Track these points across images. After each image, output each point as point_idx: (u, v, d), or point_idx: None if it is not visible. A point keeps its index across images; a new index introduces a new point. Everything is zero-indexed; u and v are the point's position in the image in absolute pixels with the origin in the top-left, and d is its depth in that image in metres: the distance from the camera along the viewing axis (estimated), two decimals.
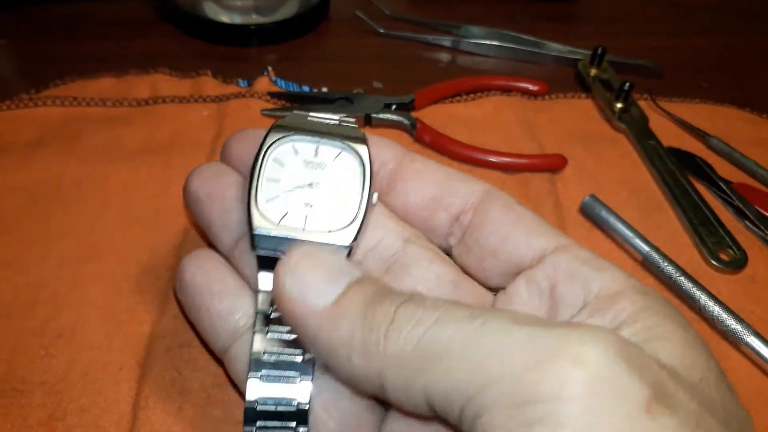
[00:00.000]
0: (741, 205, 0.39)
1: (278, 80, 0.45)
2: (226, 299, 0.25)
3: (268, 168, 0.25)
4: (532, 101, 0.46)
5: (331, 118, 0.27)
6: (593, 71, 0.47)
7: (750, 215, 0.38)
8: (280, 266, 0.20)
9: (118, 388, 0.28)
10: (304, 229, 0.24)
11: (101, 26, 0.51)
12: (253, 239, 0.24)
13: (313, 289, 0.20)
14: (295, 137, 0.25)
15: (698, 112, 0.46)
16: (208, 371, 0.29)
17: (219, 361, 0.27)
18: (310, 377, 0.23)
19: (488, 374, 0.17)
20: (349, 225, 0.24)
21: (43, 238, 0.34)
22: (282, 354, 0.23)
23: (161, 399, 0.28)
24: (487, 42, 0.50)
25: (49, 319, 0.31)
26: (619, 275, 0.22)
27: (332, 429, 0.23)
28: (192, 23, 0.50)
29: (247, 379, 0.23)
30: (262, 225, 0.23)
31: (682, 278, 0.33)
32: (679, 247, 0.36)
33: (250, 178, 0.24)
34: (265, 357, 0.23)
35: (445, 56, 0.51)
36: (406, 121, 0.42)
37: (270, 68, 0.45)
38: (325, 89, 0.45)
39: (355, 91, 0.44)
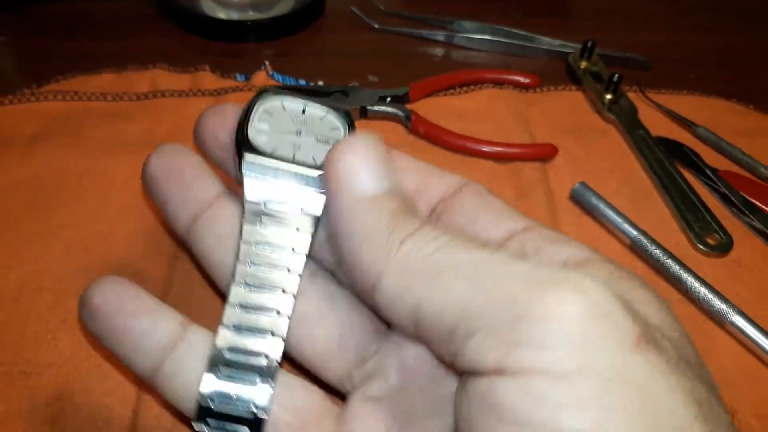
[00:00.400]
0: (727, 192, 0.40)
1: (275, 74, 0.46)
2: (146, 317, 0.23)
3: (258, 115, 0.25)
4: (523, 94, 0.47)
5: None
6: (583, 64, 0.48)
7: (736, 201, 0.39)
8: (345, 144, 0.22)
9: (123, 369, 0.29)
10: (293, 160, 0.24)
11: (100, 24, 0.52)
12: (242, 165, 0.24)
13: (363, 177, 0.22)
14: (284, 97, 0.26)
15: (686, 104, 0.47)
16: None
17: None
18: (271, 383, 0.22)
19: (490, 295, 0.18)
20: None
21: (47, 228, 0.35)
22: (247, 354, 0.22)
23: None
24: (480, 36, 0.52)
25: (54, 305, 0.31)
26: (585, 248, 0.23)
27: (288, 422, 0.22)
28: (190, 20, 0.51)
29: (203, 374, 0.22)
30: (253, 152, 0.24)
31: (669, 261, 0.34)
32: (667, 233, 0.38)
33: (240, 120, 0.25)
34: (228, 355, 0.22)
35: (438, 51, 0.52)
36: (400, 113, 0.43)
37: (267, 63, 0.46)
38: (321, 83, 0.46)
39: (350, 85, 0.45)
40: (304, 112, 0.26)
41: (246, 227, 0.24)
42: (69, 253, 0.34)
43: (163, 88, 0.44)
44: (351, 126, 0.26)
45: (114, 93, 0.43)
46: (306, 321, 0.24)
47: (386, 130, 0.43)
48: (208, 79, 0.45)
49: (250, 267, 0.23)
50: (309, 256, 0.24)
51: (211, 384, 0.22)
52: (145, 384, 0.29)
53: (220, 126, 0.26)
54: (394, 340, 0.24)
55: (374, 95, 0.44)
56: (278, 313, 0.23)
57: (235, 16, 0.52)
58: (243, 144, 0.24)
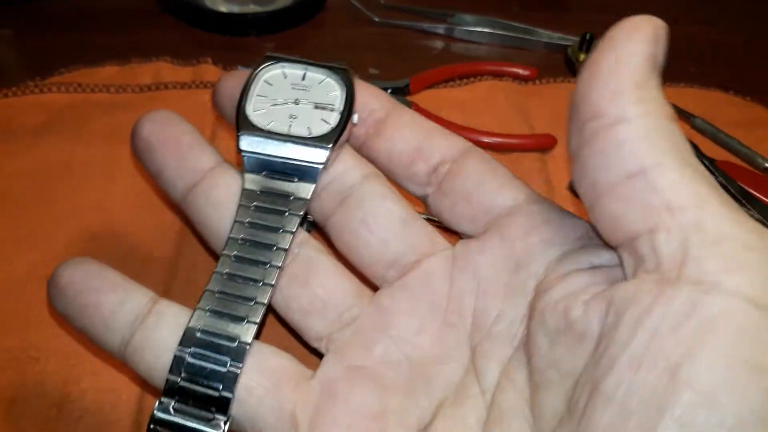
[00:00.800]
0: (725, 182, 0.40)
1: None
2: (114, 293, 0.23)
3: (258, 86, 0.27)
4: (523, 86, 0.47)
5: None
6: (582, 56, 0.49)
7: (733, 191, 0.40)
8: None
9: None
10: (288, 134, 0.26)
11: (102, 18, 0.52)
12: (239, 141, 0.25)
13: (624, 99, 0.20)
14: (285, 64, 0.28)
15: (684, 96, 0.47)
16: None
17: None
18: (258, 321, 0.23)
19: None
20: (328, 132, 0.26)
21: (53, 217, 0.36)
22: (236, 298, 0.23)
23: None
24: (480, 29, 0.52)
25: None
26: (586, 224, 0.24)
27: (262, 384, 0.23)
28: (191, 13, 0.51)
29: (194, 311, 0.23)
30: (249, 130, 0.25)
31: None
32: None
33: (241, 93, 0.26)
34: (218, 296, 0.23)
35: (438, 43, 0.52)
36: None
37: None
38: None
39: None
40: (304, 77, 0.28)
41: (240, 207, 0.25)
42: (75, 241, 0.34)
43: (166, 81, 0.44)
44: (349, 86, 0.27)
45: (117, 85, 0.44)
46: (294, 282, 0.25)
47: None
48: (211, 72, 0.45)
49: (239, 243, 0.24)
50: (295, 232, 0.25)
51: (201, 318, 0.23)
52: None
53: (237, 88, 0.27)
54: (378, 304, 0.25)
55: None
56: (258, 294, 0.24)
57: (236, 9, 0.52)
58: (240, 120, 0.26)
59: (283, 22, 0.52)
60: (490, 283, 0.24)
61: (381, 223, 0.26)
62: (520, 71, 0.47)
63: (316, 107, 0.27)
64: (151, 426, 0.22)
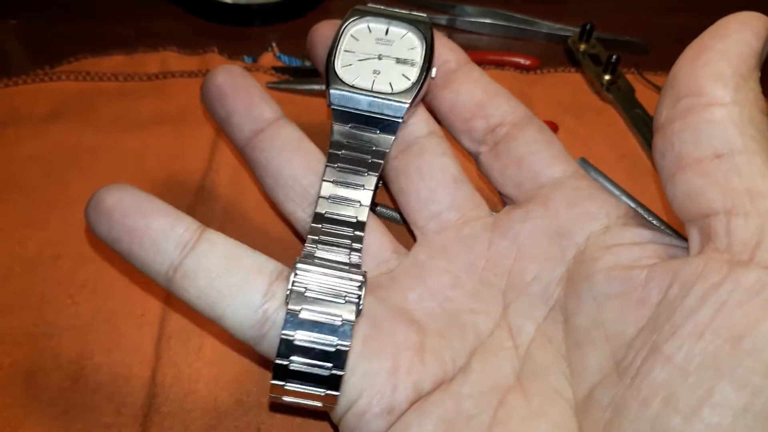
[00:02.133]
0: None
1: (282, 56, 0.47)
2: (164, 217, 0.23)
3: (346, 41, 0.29)
4: (524, 75, 0.48)
5: (403, 11, 0.30)
6: (582, 47, 0.50)
7: None
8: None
9: (141, 331, 0.31)
10: (371, 90, 0.28)
11: (107, 8, 0.53)
12: (329, 96, 0.27)
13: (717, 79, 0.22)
14: (370, 18, 0.30)
15: None
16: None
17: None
18: (353, 314, 0.23)
19: None
20: (408, 88, 0.28)
21: (63, 201, 0.36)
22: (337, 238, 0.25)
23: (182, 340, 0.30)
24: (481, 20, 0.53)
25: (72, 271, 0.33)
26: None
27: None
28: (196, 3, 0.52)
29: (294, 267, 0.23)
30: (337, 85, 0.28)
31: (667, 231, 0.36)
32: (665, 206, 0.39)
33: (330, 47, 0.28)
34: (310, 294, 0.23)
35: (441, 34, 0.53)
36: None
37: (274, 44, 0.47)
38: None
39: None
40: (387, 32, 0.29)
41: (330, 154, 0.27)
42: (84, 223, 0.35)
43: (173, 69, 0.45)
44: (429, 41, 0.29)
45: (125, 74, 0.44)
46: None
47: None
48: (217, 61, 0.46)
49: (332, 183, 0.26)
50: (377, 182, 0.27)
51: (294, 316, 0.22)
52: (163, 344, 0.30)
53: (328, 37, 0.29)
54: (414, 258, 0.27)
55: None
56: (353, 240, 0.25)
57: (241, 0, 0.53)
58: (329, 75, 0.28)
59: (288, 12, 0.52)
60: (529, 248, 0.26)
61: (434, 175, 0.28)
62: (522, 61, 0.48)
63: (398, 62, 0.28)
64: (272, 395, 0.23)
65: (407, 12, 0.30)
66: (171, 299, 0.32)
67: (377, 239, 0.27)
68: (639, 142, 0.43)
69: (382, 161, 0.27)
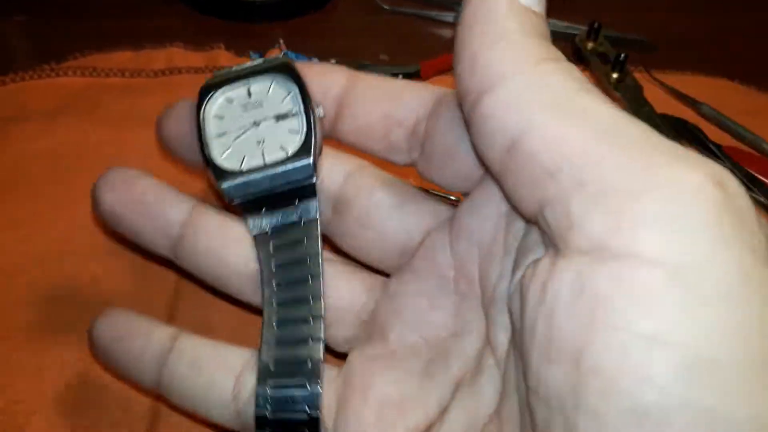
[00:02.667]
0: (731, 167, 0.41)
1: (288, 53, 0.47)
2: (138, 337, 0.25)
3: (211, 126, 0.25)
4: None
5: (255, 62, 0.26)
6: (590, 45, 0.49)
7: (740, 176, 0.40)
8: None
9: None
10: (265, 164, 0.24)
11: (111, 4, 0.52)
12: (224, 194, 0.24)
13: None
14: (225, 88, 0.25)
15: (690, 83, 0.48)
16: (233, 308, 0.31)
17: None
18: (320, 384, 0.23)
19: (619, 152, 0.16)
20: (303, 142, 0.24)
21: (69, 197, 0.36)
22: (292, 364, 0.23)
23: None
24: None
25: (80, 268, 0.33)
26: None
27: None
28: (203, 0, 0.52)
29: (259, 356, 0.23)
30: (227, 179, 0.24)
31: None
32: None
33: (198, 141, 0.25)
34: (273, 367, 0.23)
35: (447, 31, 0.53)
36: None
37: (281, 41, 0.47)
38: (333, 61, 0.47)
39: (363, 63, 0.46)
40: (249, 94, 0.25)
41: (260, 253, 0.24)
42: (91, 220, 0.35)
43: (179, 66, 0.45)
44: (298, 81, 0.25)
45: (132, 70, 0.44)
46: None
47: None
48: (224, 57, 0.46)
49: (276, 288, 0.24)
50: (321, 253, 0.24)
51: (263, 395, 0.23)
52: None
53: (182, 126, 0.26)
54: (387, 291, 0.25)
55: (386, 72, 0.45)
56: (313, 318, 0.24)
57: None
58: (213, 171, 0.24)
59: (293, 9, 0.52)
60: (487, 244, 0.23)
61: (376, 218, 0.25)
62: None
63: (278, 119, 0.25)
64: None
65: (259, 61, 0.26)
66: (176, 298, 0.31)
67: (350, 287, 0.25)
68: None
69: (318, 233, 0.24)
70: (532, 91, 0.17)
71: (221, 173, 0.24)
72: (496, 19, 0.18)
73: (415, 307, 0.24)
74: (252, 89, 0.25)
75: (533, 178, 0.17)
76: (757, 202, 0.39)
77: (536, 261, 0.18)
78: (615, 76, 0.46)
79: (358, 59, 0.46)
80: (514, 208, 0.20)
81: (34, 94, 0.42)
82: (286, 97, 0.25)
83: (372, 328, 0.25)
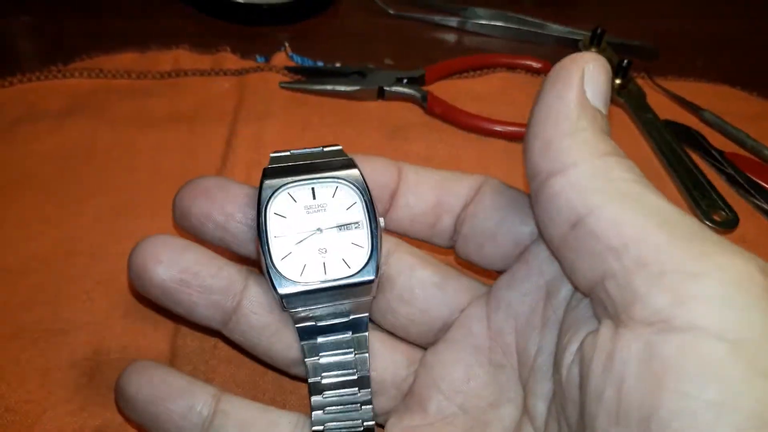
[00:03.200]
0: (733, 173, 0.41)
1: (294, 56, 0.47)
2: (181, 396, 0.24)
3: (272, 225, 0.24)
4: (536, 78, 0.48)
5: (313, 149, 0.26)
6: (593, 50, 0.50)
7: (742, 182, 0.41)
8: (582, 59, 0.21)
9: (157, 328, 0.31)
10: (327, 278, 0.24)
11: (118, 7, 0.53)
12: (282, 301, 0.24)
13: (593, 83, 0.21)
14: (289, 183, 0.25)
15: (692, 89, 0.48)
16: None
17: None
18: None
19: (676, 238, 0.18)
20: (368, 260, 0.24)
21: (78, 197, 0.36)
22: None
23: (197, 338, 0.30)
24: (492, 23, 0.53)
25: (88, 268, 0.33)
26: None
27: None
28: (207, 2, 0.52)
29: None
30: (285, 285, 0.23)
31: None
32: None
33: (259, 240, 0.24)
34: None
35: (452, 36, 0.53)
36: (417, 94, 0.44)
37: (287, 44, 0.47)
38: (338, 65, 0.47)
39: (368, 66, 0.46)
40: (314, 196, 0.25)
41: (307, 350, 0.25)
42: (99, 220, 0.35)
43: (185, 68, 0.45)
44: (365, 187, 0.25)
45: (138, 71, 0.45)
46: None
47: (403, 110, 0.44)
48: (230, 60, 0.46)
49: (323, 391, 0.25)
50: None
51: None
52: (179, 342, 0.30)
53: (212, 208, 0.25)
54: (425, 363, 0.25)
55: (391, 77, 0.45)
56: (361, 405, 0.25)
57: None
58: (271, 275, 0.23)
59: (298, 13, 0.52)
60: (526, 316, 0.24)
61: (418, 295, 0.26)
62: (534, 64, 0.48)
63: (341, 229, 0.24)
64: None
65: (319, 149, 0.26)
66: None
67: (391, 360, 0.26)
68: (650, 145, 0.43)
69: (365, 333, 0.25)
70: (597, 178, 0.19)
71: (279, 277, 0.23)
72: (570, 115, 0.20)
73: (453, 377, 0.25)
74: (317, 191, 0.25)
75: (595, 254, 0.19)
76: (757, 207, 0.40)
77: (594, 333, 0.19)
78: (618, 82, 0.46)
79: (362, 63, 0.47)
80: (570, 279, 0.21)
81: (41, 95, 0.42)
82: (351, 207, 0.25)
83: (411, 399, 0.25)
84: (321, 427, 0.24)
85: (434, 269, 0.26)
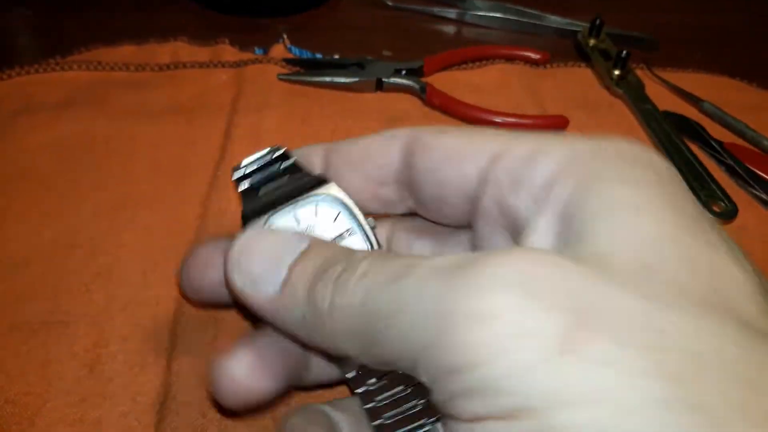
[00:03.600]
0: (732, 163, 0.41)
1: (292, 48, 0.47)
2: None
3: None
4: (534, 69, 0.48)
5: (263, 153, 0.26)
6: (592, 41, 0.50)
7: (741, 172, 0.41)
8: (227, 261, 0.20)
9: (156, 320, 0.31)
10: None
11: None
12: None
13: (258, 278, 0.20)
14: (271, 218, 0.24)
15: (691, 81, 0.48)
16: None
17: None
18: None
19: (415, 342, 0.16)
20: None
21: (77, 190, 0.36)
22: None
23: (197, 329, 0.30)
24: (491, 14, 0.53)
25: (87, 260, 0.33)
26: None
27: None
28: None
29: None
30: None
31: None
32: None
33: None
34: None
35: (450, 28, 0.53)
36: (415, 86, 0.44)
37: (285, 36, 0.47)
38: (336, 56, 0.47)
39: (366, 58, 0.46)
40: (298, 221, 0.24)
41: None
42: (99, 213, 0.35)
43: (184, 60, 0.45)
44: (342, 201, 0.24)
45: (136, 64, 0.44)
46: None
47: (402, 102, 0.44)
48: (228, 52, 0.46)
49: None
50: None
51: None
52: (178, 332, 0.30)
53: (207, 270, 0.25)
54: None
55: (390, 68, 0.45)
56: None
57: None
58: None
59: (297, 5, 0.52)
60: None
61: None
62: (532, 55, 0.48)
63: (337, 241, 0.24)
64: None
65: (269, 155, 0.25)
66: None
67: None
68: (649, 136, 0.43)
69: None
70: (353, 323, 0.18)
71: None
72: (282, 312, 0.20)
73: None
74: (299, 216, 0.24)
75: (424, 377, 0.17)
76: (756, 197, 0.40)
77: None
78: (617, 73, 0.46)
79: (361, 55, 0.47)
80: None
81: (40, 88, 0.42)
82: (337, 218, 0.24)
83: None
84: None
85: (430, 237, 0.26)
